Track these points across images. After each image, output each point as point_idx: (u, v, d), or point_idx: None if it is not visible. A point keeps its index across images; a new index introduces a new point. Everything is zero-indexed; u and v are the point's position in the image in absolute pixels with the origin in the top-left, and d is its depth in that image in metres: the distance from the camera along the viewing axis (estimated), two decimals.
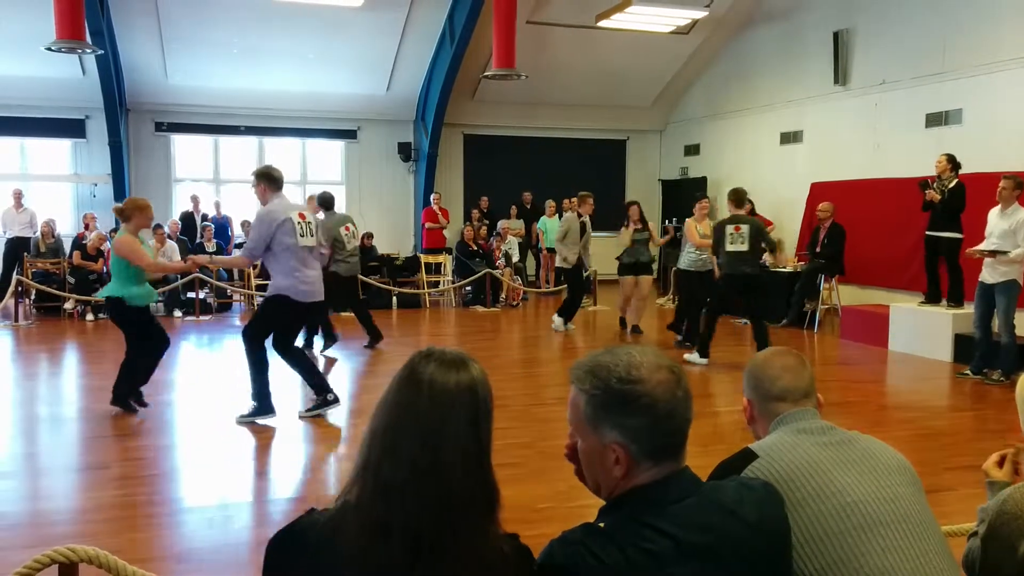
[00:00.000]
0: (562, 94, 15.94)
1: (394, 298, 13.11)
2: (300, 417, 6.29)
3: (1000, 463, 2.10)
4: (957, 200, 8.60)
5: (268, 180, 6.09)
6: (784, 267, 11.91)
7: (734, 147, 15.25)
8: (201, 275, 11.92)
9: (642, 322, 10.72)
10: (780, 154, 14.01)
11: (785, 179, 13.74)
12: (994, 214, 7.76)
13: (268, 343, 6.20)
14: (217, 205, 14.67)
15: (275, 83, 14.52)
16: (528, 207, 15.73)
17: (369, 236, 13.97)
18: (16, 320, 11.01)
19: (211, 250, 12.69)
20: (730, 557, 1.48)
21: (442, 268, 14.37)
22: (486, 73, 12.67)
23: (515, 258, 14.41)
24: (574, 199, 11.20)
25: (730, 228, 8.47)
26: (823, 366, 8.78)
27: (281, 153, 15.79)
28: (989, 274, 7.71)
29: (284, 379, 6.65)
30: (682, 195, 15.63)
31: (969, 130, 10.41)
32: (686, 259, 9.75)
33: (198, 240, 13.37)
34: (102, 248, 12.16)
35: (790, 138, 13.80)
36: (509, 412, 6.33)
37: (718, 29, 14.72)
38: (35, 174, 14.49)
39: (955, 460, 5.34)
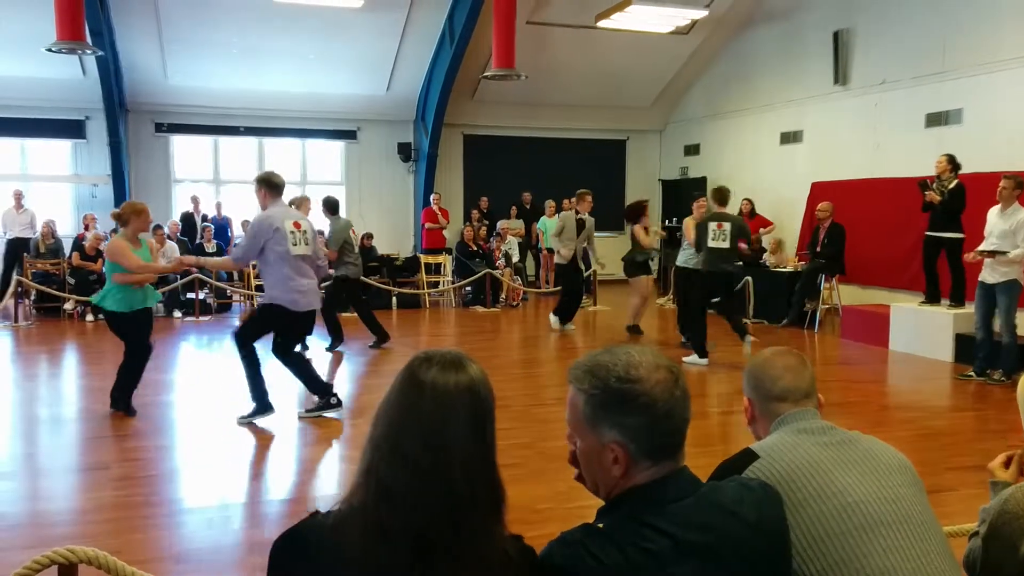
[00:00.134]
0: (562, 94, 15.94)
1: (394, 298, 13.10)
2: (300, 418, 6.29)
3: (1007, 463, 2.10)
4: (957, 201, 8.59)
5: (268, 186, 6.09)
6: (784, 267, 11.91)
7: (734, 147, 15.25)
8: (201, 275, 11.93)
9: (642, 322, 10.70)
10: (780, 154, 14.01)
11: (785, 179, 13.74)
12: (993, 214, 7.75)
13: (267, 344, 6.20)
14: (218, 206, 14.66)
15: (275, 84, 14.52)
16: (528, 207, 15.73)
17: (369, 236, 13.96)
18: (16, 321, 11.00)
19: (211, 251, 12.71)
20: (729, 557, 1.48)
21: (442, 268, 14.37)
22: (486, 73, 12.66)
23: (515, 258, 14.41)
24: (574, 199, 11.21)
25: (713, 225, 8.60)
26: (824, 366, 8.78)
27: (281, 154, 15.79)
28: (989, 274, 7.70)
29: (283, 380, 6.64)
30: (682, 195, 15.63)
31: (969, 130, 10.40)
32: (683, 256, 9.76)
33: (198, 240, 13.37)
34: (101, 248, 12.16)
35: (790, 138, 13.79)
36: (509, 412, 6.32)
37: (718, 29, 14.71)
38: (35, 175, 14.48)
39: (956, 460, 5.34)
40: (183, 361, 8.85)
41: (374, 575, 1.39)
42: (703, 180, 15.61)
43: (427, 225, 14.81)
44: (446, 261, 14.41)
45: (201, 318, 11.79)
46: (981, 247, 7.77)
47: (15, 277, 11.39)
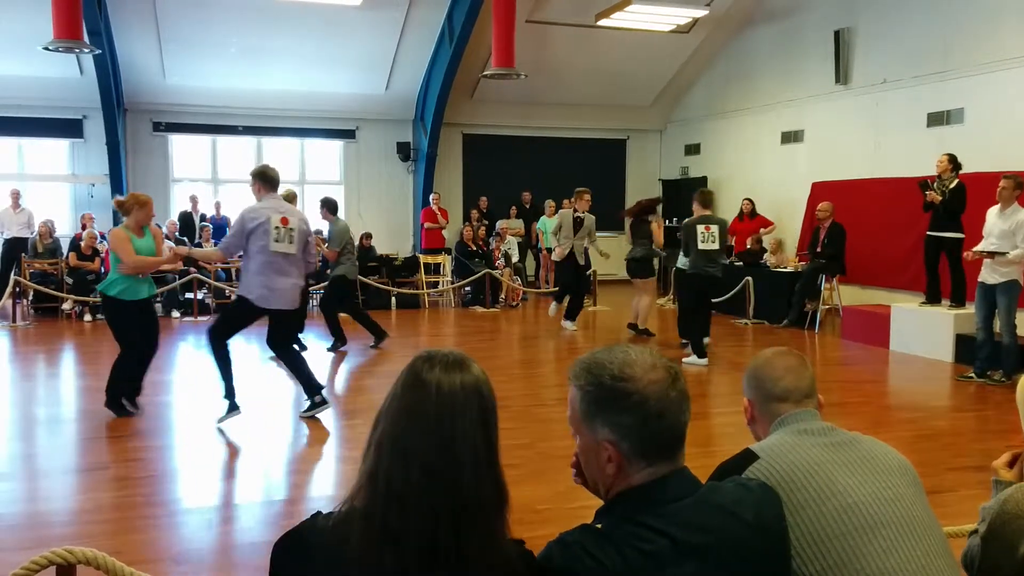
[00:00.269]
0: (562, 94, 15.93)
1: (393, 299, 13.09)
2: (300, 417, 6.27)
3: (1011, 463, 2.09)
4: (958, 200, 8.58)
5: (262, 179, 6.10)
6: (785, 267, 11.91)
7: (735, 147, 15.24)
8: (200, 275, 11.91)
9: (637, 322, 10.64)
10: (781, 153, 14.00)
11: (786, 179, 13.73)
12: (992, 214, 7.73)
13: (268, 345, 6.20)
14: (217, 206, 14.65)
15: (273, 83, 14.51)
16: (528, 207, 15.72)
17: (368, 236, 13.96)
18: (14, 321, 10.99)
19: None
20: (728, 557, 1.48)
21: (441, 268, 14.36)
22: (485, 72, 12.66)
23: (514, 258, 14.40)
24: (573, 198, 11.20)
25: (701, 228, 8.67)
26: (824, 366, 8.77)
27: (279, 153, 15.77)
28: (989, 275, 7.69)
29: (284, 381, 6.63)
30: (682, 195, 15.60)
31: (970, 130, 10.40)
32: (684, 259, 9.72)
33: (197, 240, 13.36)
34: (97, 247, 12.18)
35: (791, 137, 13.79)
36: (509, 413, 6.31)
37: (718, 28, 14.71)
38: (32, 174, 14.46)
39: (957, 461, 5.33)
40: (181, 361, 8.84)
41: None
42: (704, 180, 15.61)
43: (426, 225, 14.80)
44: (445, 261, 14.41)
45: (200, 318, 11.77)
46: (979, 247, 7.76)
47: (13, 277, 11.36)
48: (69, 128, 14.31)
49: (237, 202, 14.85)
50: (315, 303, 11.08)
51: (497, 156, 16.54)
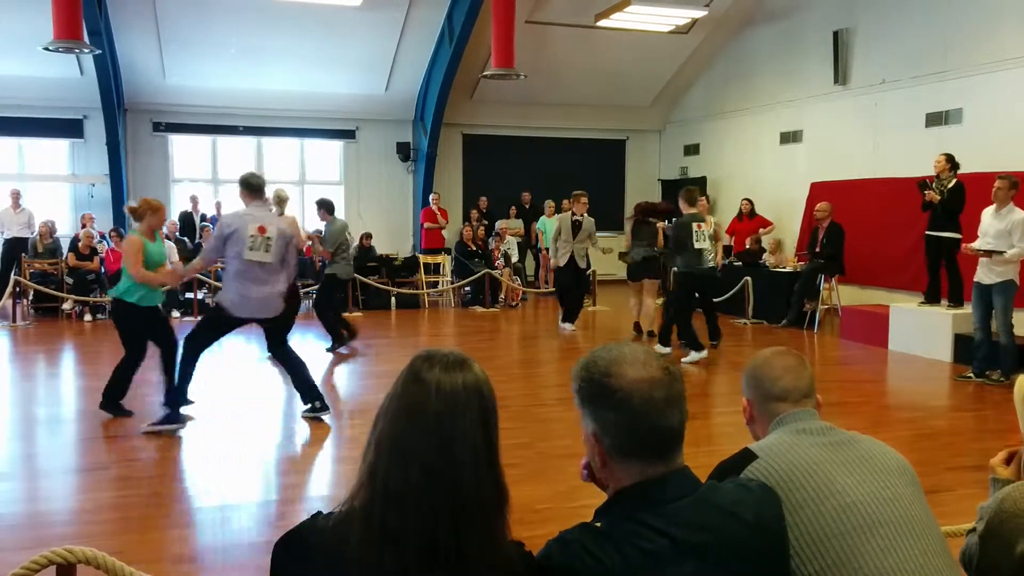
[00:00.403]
0: (561, 94, 15.93)
1: (393, 299, 13.10)
2: (303, 416, 6.26)
3: (1008, 460, 2.09)
4: (956, 200, 8.59)
5: (246, 187, 6.11)
6: (784, 267, 11.91)
7: (734, 147, 15.25)
8: (200, 275, 11.90)
9: (642, 322, 10.65)
10: (780, 154, 14.01)
11: (785, 179, 13.74)
12: (988, 214, 7.73)
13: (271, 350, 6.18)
14: (217, 206, 14.64)
15: (273, 83, 14.51)
16: (527, 207, 15.72)
17: (368, 236, 13.96)
18: (14, 321, 10.99)
19: None
20: (728, 557, 1.48)
21: (441, 268, 14.36)
22: (485, 73, 12.66)
23: (514, 258, 14.41)
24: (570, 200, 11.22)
25: (694, 226, 8.73)
26: (823, 366, 8.78)
27: (279, 153, 15.78)
28: (985, 275, 7.68)
29: (283, 381, 6.63)
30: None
31: (969, 130, 10.40)
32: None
33: (197, 240, 13.36)
34: (96, 247, 12.19)
35: (790, 138, 13.79)
36: (508, 412, 6.31)
37: (717, 28, 14.71)
38: (33, 174, 14.46)
39: (955, 460, 5.34)
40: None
41: None
42: (703, 180, 15.62)
43: (426, 225, 14.80)
44: (445, 261, 14.41)
45: (199, 318, 11.76)
46: (975, 245, 7.77)
47: (13, 277, 11.36)
48: (69, 128, 14.31)
49: (237, 203, 14.86)
50: (310, 303, 11.09)
51: (497, 156, 16.54)
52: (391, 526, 1.38)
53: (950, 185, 8.64)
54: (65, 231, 13.42)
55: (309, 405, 6.21)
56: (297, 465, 5.46)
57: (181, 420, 5.93)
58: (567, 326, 10.82)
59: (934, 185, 8.80)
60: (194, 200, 14.38)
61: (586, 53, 14.82)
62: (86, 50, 10.64)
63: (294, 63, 14.02)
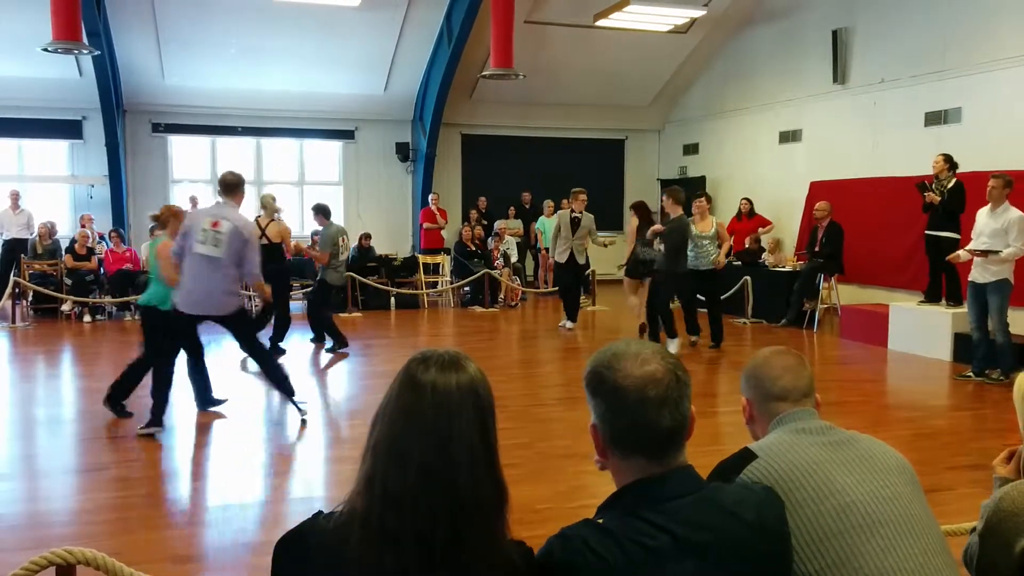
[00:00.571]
0: (560, 94, 15.93)
1: (392, 299, 13.10)
2: (300, 417, 6.26)
3: (1009, 459, 2.10)
4: (956, 200, 8.59)
5: (219, 184, 6.23)
6: (783, 266, 11.91)
7: (733, 146, 15.24)
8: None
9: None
10: (779, 153, 14.01)
11: (784, 178, 13.74)
12: (983, 214, 7.73)
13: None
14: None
15: (272, 83, 14.50)
16: (528, 207, 15.73)
17: (367, 237, 13.96)
18: (13, 322, 10.99)
19: None
20: (728, 557, 1.48)
21: (440, 268, 14.36)
22: (484, 73, 12.65)
23: (513, 258, 14.41)
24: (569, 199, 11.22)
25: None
26: (823, 366, 8.78)
27: (278, 154, 15.76)
28: (980, 274, 7.67)
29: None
30: None
31: (968, 129, 10.40)
32: (689, 260, 9.71)
33: None
34: (95, 247, 12.19)
35: (789, 137, 13.79)
36: (508, 412, 6.32)
37: (716, 28, 14.71)
38: (32, 175, 14.44)
39: (955, 459, 5.34)
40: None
41: None
42: (702, 179, 15.62)
43: (425, 225, 14.80)
44: (444, 261, 14.41)
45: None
46: (971, 246, 7.77)
47: (12, 278, 11.36)
48: (68, 129, 14.30)
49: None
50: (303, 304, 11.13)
51: (496, 156, 16.54)
52: (390, 527, 1.38)
53: (950, 185, 8.64)
54: (65, 232, 13.42)
55: (291, 400, 6.20)
56: (297, 465, 5.46)
57: (162, 424, 5.85)
58: (567, 324, 10.84)
59: (933, 186, 8.80)
60: (193, 201, 14.34)
61: (585, 53, 14.82)
62: (85, 51, 10.64)
63: (293, 63, 14.02)
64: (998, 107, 10.03)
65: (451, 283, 13.92)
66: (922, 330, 9.10)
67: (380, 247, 14.44)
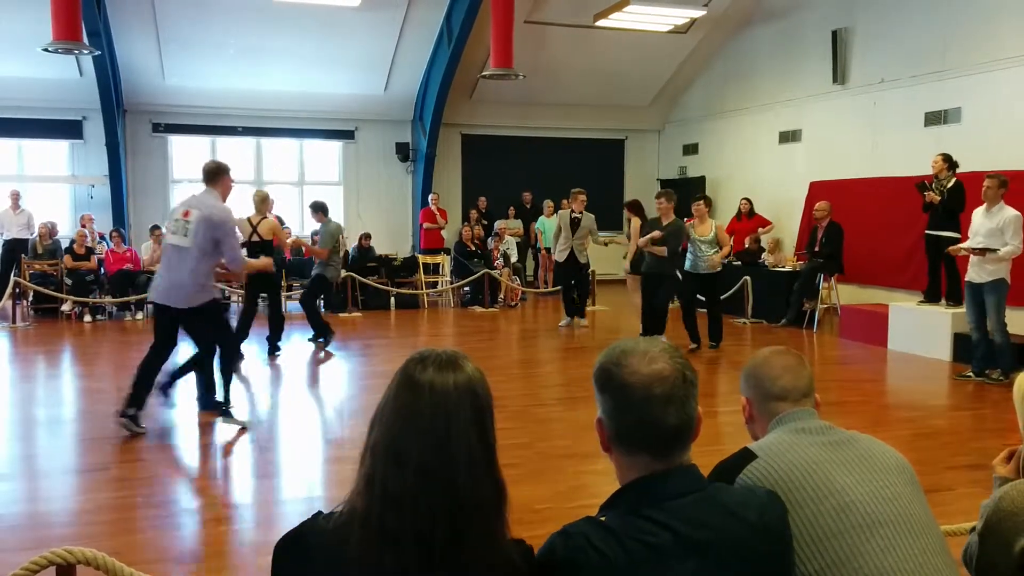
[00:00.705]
0: (560, 94, 15.93)
1: (392, 299, 13.10)
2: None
3: (1008, 459, 2.10)
4: (956, 200, 8.60)
5: (202, 175, 5.98)
6: (783, 266, 11.91)
7: (733, 146, 15.24)
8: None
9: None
10: (779, 153, 14.01)
11: (784, 178, 13.74)
12: (979, 214, 7.74)
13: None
14: None
15: (272, 83, 14.50)
16: (528, 207, 15.73)
17: (367, 237, 13.96)
18: (14, 322, 10.98)
19: None
20: (729, 557, 1.49)
21: (440, 268, 14.36)
22: (484, 73, 12.65)
23: (513, 258, 14.41)
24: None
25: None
26: (822, 365, 8.78)
27: (278, 154, 15.76)
28: (976, 274, 7.67)
29: (283, 383, 6.63)
30: (681, 195, 15.55)
31: (968, 129, 10.40)
32: (689, 260, 9.69)
33: None
34: (93, 247, 12.19)
35: (789, 137, 13.79)
36: (507, 412, 6.32)
37: (716, 28, 14.71)
38: (32, 175, 14.44)
39: (955, 459, 5.34)
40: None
41: None
42: (702, 180, 15.62)
43: (425, 225, 14.80)
44: (444, 261, 14.41)
45: None
46: (968, 244, 7.77)
47: (13, 278, 11.36)
48: (69, 129, 14.30)
49: (236, 203, 14.87)
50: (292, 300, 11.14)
51: (496, 156, 16.53)
52: (390, 527, 1.38)
53: (949, 185, 8.65)
54: (65, 232, 13.42)
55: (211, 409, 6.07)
56: (296, 465, 5.46)
57: (141, 426, 5.77)
58: (567, 321, 10.86)
59: (933, 186, 8.80)
60: None
61: (585, 53, 14.82)
62: (85, 51, 10.64)
63: (293, 63, 14.02)
64: (998, 107, 10.03)
65: (451, 283, 13.91)
66: (922, 330, 9.10)
67: (380, 247, 14.44)
